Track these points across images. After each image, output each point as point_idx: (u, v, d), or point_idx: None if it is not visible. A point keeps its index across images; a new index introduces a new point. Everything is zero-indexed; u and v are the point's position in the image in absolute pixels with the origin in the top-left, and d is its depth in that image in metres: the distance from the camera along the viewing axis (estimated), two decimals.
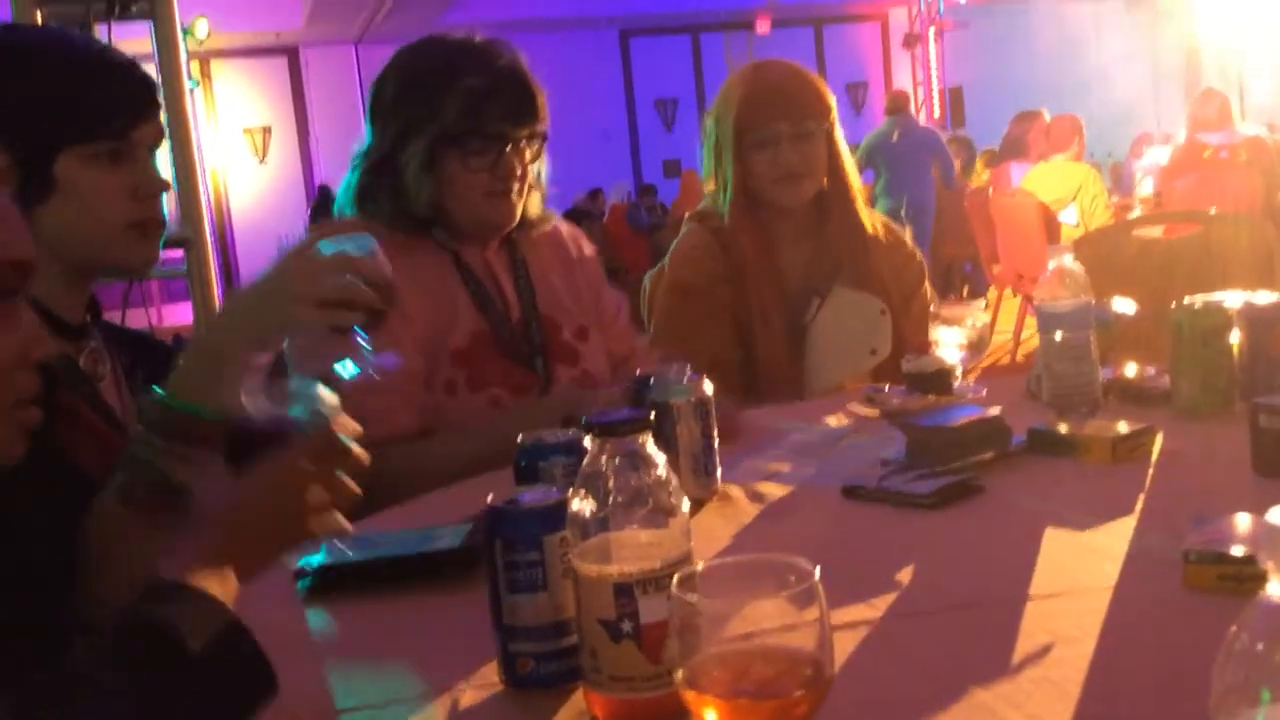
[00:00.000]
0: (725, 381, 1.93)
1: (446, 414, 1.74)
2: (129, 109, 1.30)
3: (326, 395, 1.03)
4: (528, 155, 1.79)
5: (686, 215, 2.34)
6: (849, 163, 2.25)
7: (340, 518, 1.00)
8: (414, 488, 1.53)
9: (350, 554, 1.26)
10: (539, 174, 1.86)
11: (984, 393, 1.83)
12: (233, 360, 1.08)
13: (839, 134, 2.22)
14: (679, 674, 0.72)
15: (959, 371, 1.90)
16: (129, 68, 1.32)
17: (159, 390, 1.10)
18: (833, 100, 2.22)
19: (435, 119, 1.72)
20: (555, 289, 1.90)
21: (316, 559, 1.26)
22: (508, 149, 1.75)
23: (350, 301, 1.09)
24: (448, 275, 1.80)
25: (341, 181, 1.85)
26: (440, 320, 1.76)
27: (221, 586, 0.90)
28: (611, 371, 1.90)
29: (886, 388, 1.88)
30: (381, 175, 1.77)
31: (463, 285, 1.80)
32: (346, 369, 1.10)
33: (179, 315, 6.80)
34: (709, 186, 2.28)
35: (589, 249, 2.02)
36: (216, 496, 0.98)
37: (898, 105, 8.26)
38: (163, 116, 1.37)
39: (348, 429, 1.01)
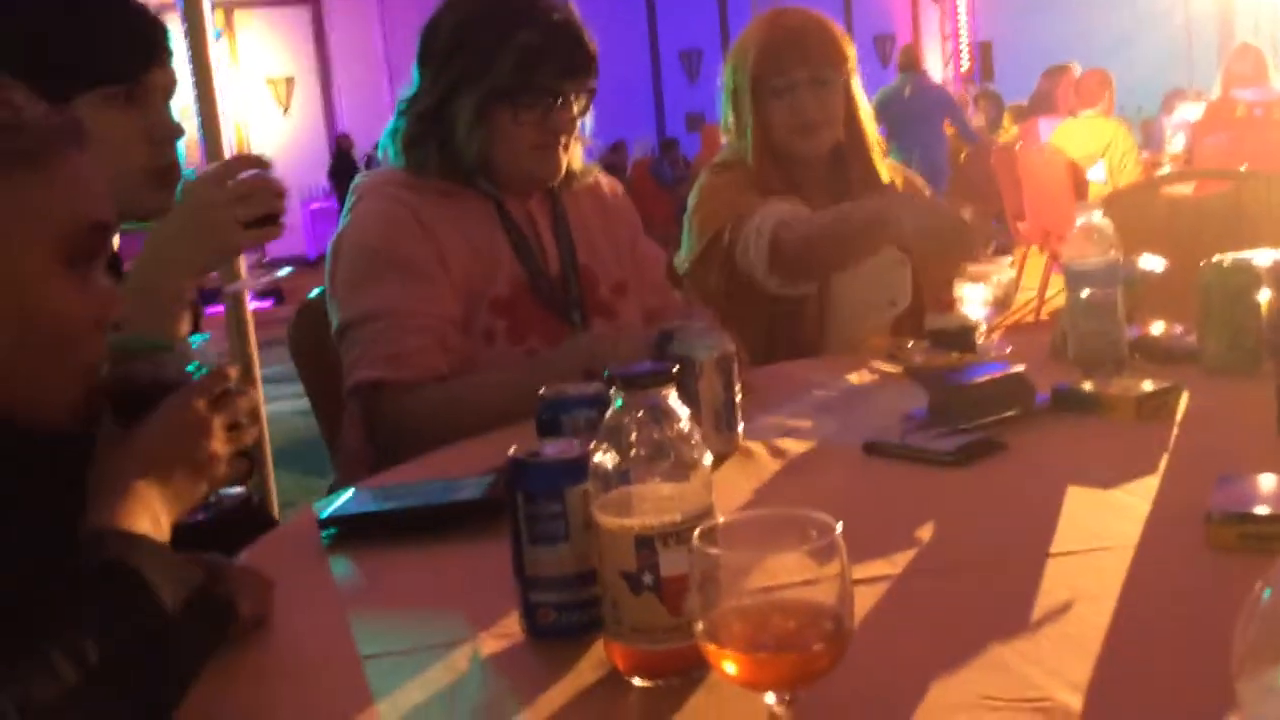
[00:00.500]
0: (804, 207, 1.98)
1: (483, 363, 1.74)
2: (143, 51, 1.31)
3: (212, 350, 1.05)
4: (575, 110, 1.79)
5: (706, 167, 2.32)
6: (867, 114, 2.22)
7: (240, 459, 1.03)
8: (440, 430, 1.55)
9: (374, 504, 1.27)
10: (582, 127, 1.85)
11: (1009, 350, 1.82)
12: (172, 294, 1.22)
13: (857, 85, 2.19)
14: (699, 626, 0.73)
15: (983, 328, 1.89)
16: (141, 11, 1.33)
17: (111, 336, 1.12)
18: (852, 50, 2.18)
19: (489, 73, 1.71)
20: (595, 242, 1.89)
21: (340, 509, 1.27)
22: (558, 104, 1.75)
23: (268, 215, 1.27)
24: (491, 224, 1.80)
25: (386, 127, 1.84)
26: (481, 268, 1.76)
27: (159, 533, 0.91)
28: (644, 325, 1.90)
29: (910, 343, 1.87)
30: (430, 124, 1.77)
31: (505, 234, 1.80)
32: (246, 281, 1.33)
33: None
34: (726, 136, 2.25)
35: (627, 201, 2.01)
36: (119, 448, 0.97)
37: (910, 61, 8.17)
38: (184, 65, 1.39)
39: (233, 375, 1.03)
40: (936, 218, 1.90)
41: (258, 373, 2.72)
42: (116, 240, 1.38)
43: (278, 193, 1.35)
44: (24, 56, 1.20)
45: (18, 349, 0.88)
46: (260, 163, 1.37)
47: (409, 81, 1.81)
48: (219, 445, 1.00)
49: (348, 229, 1.77)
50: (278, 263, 1.46)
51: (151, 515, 0.91)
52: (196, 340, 1.09)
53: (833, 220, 1.97)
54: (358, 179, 1.87)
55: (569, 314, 1.81)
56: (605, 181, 1.98)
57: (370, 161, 2.03)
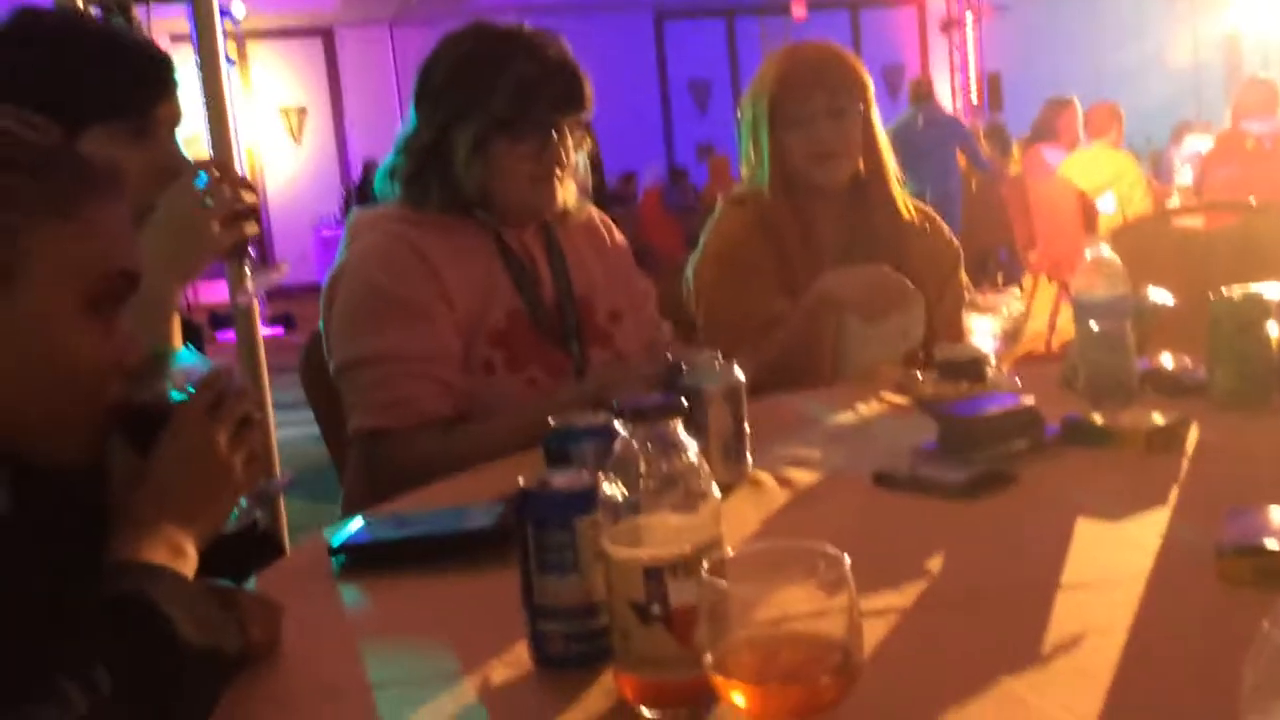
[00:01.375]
0: None
1: (484, 395, 1.74)
2: (149, 85, 1.32)
3: (198, 363, 1.05)
4: (570, 143, 1.81)
5: (721, 198, 2.33)
6: (885, 145, 2.23)
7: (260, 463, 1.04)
8: (444, 473, 1.54)
9: (384, 532, 1.28)
10: (579, 166, 1.87)
11: (1019, 382, 1.81)
12: (159, 299, 1.24)
13: (876, 116, 2.20)
14: (708, 658, 0.73)
15: (993, 360, 1.88)
16: (146, 46, 1.35)
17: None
18: (869, 80, 2.20)
19: (486, 105, 1.74)
20: (590, 271, 1.91)
21: (351, 537, 1.27)
22: (554, 136, 1.77)
23: (242, 213, 1.32)
24: (489, 255, 1.82)
25: (381, 165, 1.86)
26: (480, 300, 1.77)
27: (183, 563, 0.91)
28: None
29: (919, 375, 1.87)
30: (429, 157, 1.78)
31: (503, 264, 1.82)
32: (251, 286, 1.41)
33: (215, 293, 6.86)
34: (745, 169, 2.26)
35: (619, 237, 2.04)
36: (136, 479, 0.98)
37: (921, 93, 8.17)
38: (197, 94, 1.41)
39: (225, 377, 1.03)
40: (870, 282, 1.93)
41: (269, 399, 2.73)
42: None
43: (245, 186, 1.39)
44: (32, 91, 1.22)
45: (38, 390, 0.90)
46: (223, 167, 1.39)
47: (406, 121, 1.83)
48: (229, 453, 1.00)
49: (347, 265, 1.78)
50: (276, 266, 1.47)
51: (171, 545, 0.91)
52: (189, 357, 1.09)
53: (776, 349, 1.98)
54: (353, 215, 1.88)
55: (567, 342, 1.82)
56: (597, 215, 2.01)
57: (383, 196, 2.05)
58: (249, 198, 1.38)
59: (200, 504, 0.98)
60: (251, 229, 1.38)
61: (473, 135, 1.75)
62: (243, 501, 1.08)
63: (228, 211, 1.35)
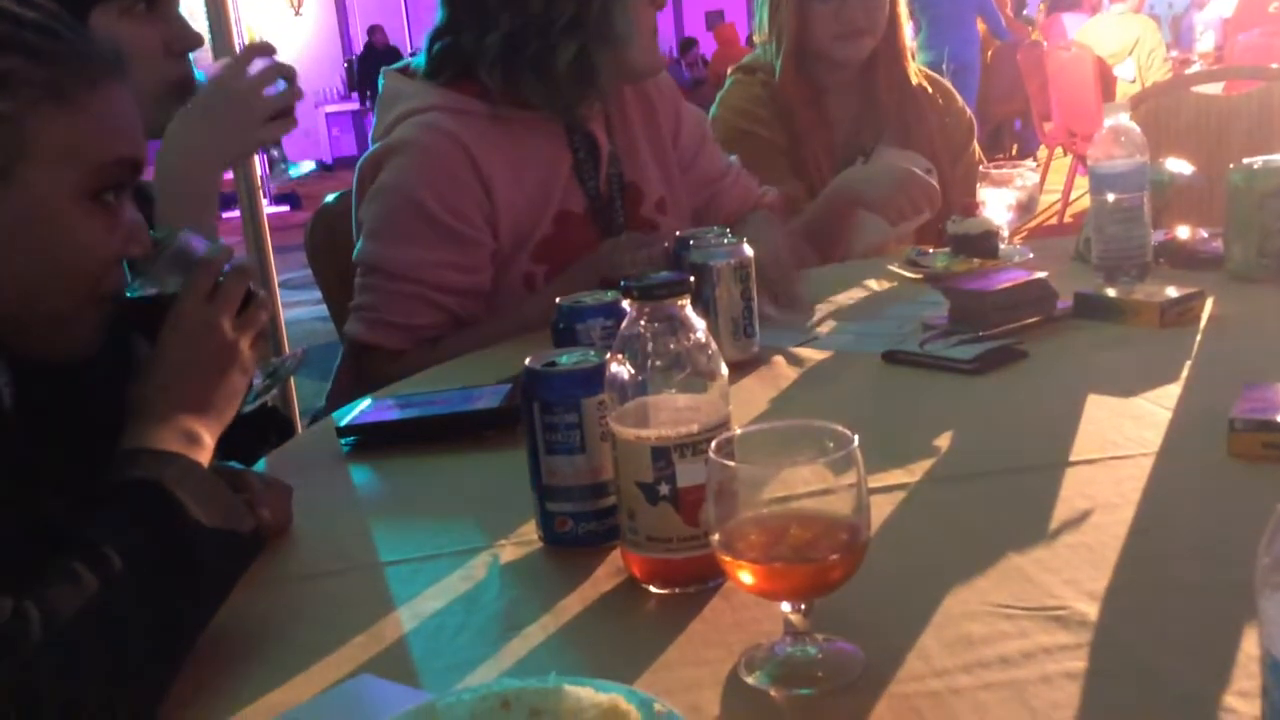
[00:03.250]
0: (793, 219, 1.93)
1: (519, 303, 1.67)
2: None
3: (199, 242, 1.03)
4: None
5: (731, 69, 2.28)
6: (904, 17, 2.18)
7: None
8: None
9: (392, 413, 1.28)
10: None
11: (1030, 256, 1.79)
12: (200, 188, 1.26)
13: None
14: (715, 537, 0.73)
15: (1005, 233, 1.86)
16: None
17: (156, 232, 1.09)
18: None
19: None
20: (640, 155, 1.82)
21: (360, 417, 1.27)
22: None
23: (287, 109, 1.30)
24: (556, 152, 1.70)
25: (431, 43, 1.70)
26: (531, 211, 1.67)
27: (197, 450, 0.91)
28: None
29: (930, 250, 1.85)
30: (531, 39, 1.61)
31: (571, 160, 1.71)
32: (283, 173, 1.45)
33: None
34: (760, 38, 2.21)
35: (683, 109, 1.91)
36: (144, 372, 0.96)
37: None
38: None
39: (222, 260, 1.01)
40: (898, 184, 1.88)
41: (274, 279, 2.72)
42: None
43: (290, 78, 1.36)
44: None
45: (40, 282, 0.88)
46: (268, 49, 1.36)
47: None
48: (235, 334, 0.99)
49: (388, 157, 1.64)
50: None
51: (183, 433, 0.91)
52: (188, 238, 1.07)
53: (804, 221, 1.96)
54: (392, 81, 1.74)
55: (612, 235, 1.73)
56: (666, 85, 1.90)
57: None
58: (295, 92, 1.36)
59: (210, 388, 0.97)
60: (291, 124, 1.36)
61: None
62: (256, 380, 1.07)
63: (277, 107, 1.33)
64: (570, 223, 1.71)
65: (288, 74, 1.36)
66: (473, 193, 1.62)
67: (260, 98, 1.32)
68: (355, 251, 1.68)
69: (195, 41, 1.32)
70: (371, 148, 1.69)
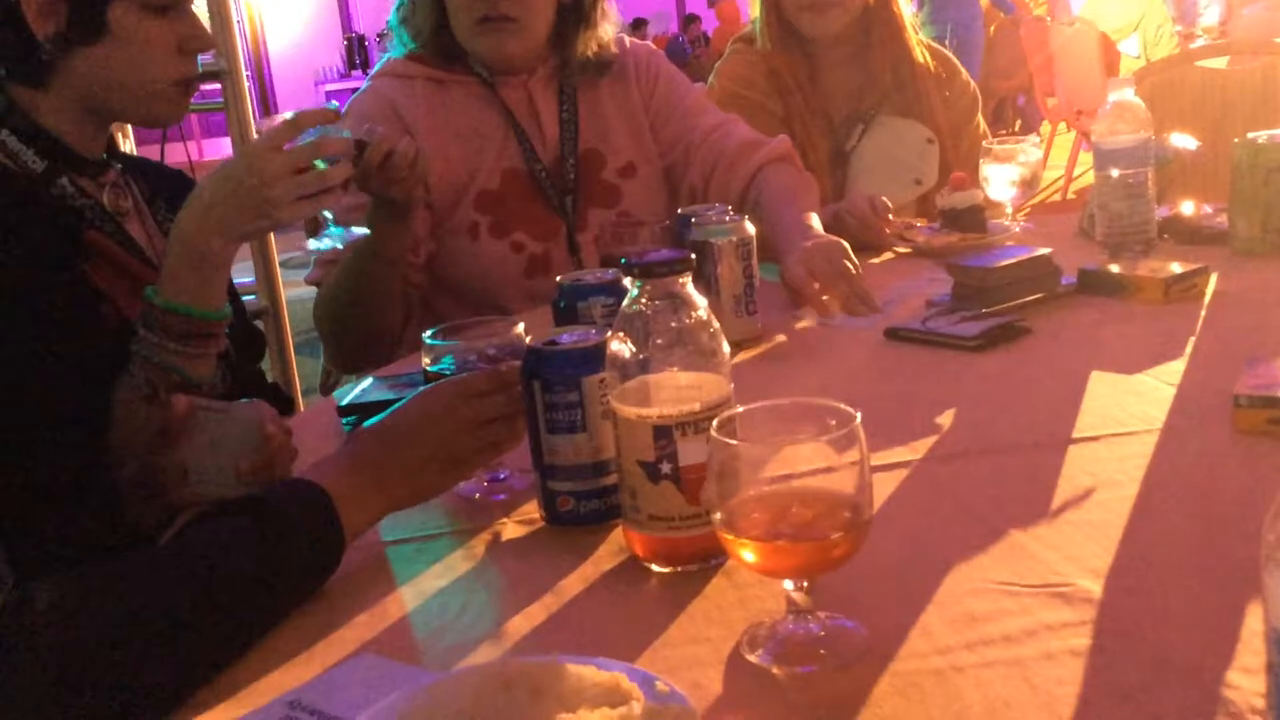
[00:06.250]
0: None
1: (463, 257, 1.74)
2: None
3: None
4: None
5: (731, 40, 2.27)
6: None
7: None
8: (328, 322, 1.67)
9: (393, 391, 1.27)
10: (596, 8, 1.80)
11: (1018, 229, 1.79)
12: (217, 259, 1.17)
13: None
14: (717, 515, 0.73)
15: (1009, 209, 1.86)
16: None
17: (152, 292, 1.15)
18: None
19: None
20: (606, 123, 1.84)
21: (360, 396, 1.27)
22: None
23: (324, 189, 1.19)
24: (482, 109, 1.78)
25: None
26: (465, 162, 1.75)
27: (361, 510, 0.92)
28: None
29: (919, 224, 1.85)
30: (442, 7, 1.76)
31: (502, 119, 1.78)
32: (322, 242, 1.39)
33: (219, 149, 6.78)
34: (754, 12, 2.20)
35: (668, 79, 1.91)
36: (378, 426, 0.99)
37: None
38: None
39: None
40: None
41: (275, 259, 2.71)
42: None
43: (347, 155, 1.26)
44: None
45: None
46: (329, 117, 1.25)
47: None
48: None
49: None
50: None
51: (361, 496, 0.94)
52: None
53: None
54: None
55: (562, 201, 1.78)
56: (643, 56, 1.90)
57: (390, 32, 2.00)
58: (336, 176, 1.22)
59: (425, 473, 0.96)
60: (325, 204, 1.23)
61: None
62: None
63: (308, 194, 1.19)
64: (516, 179, 1.78)
65: (343, 151, 1.24)
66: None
67: (285, 180, 1.17)
68: None
69: (207, 43, 1.32)
70: None
